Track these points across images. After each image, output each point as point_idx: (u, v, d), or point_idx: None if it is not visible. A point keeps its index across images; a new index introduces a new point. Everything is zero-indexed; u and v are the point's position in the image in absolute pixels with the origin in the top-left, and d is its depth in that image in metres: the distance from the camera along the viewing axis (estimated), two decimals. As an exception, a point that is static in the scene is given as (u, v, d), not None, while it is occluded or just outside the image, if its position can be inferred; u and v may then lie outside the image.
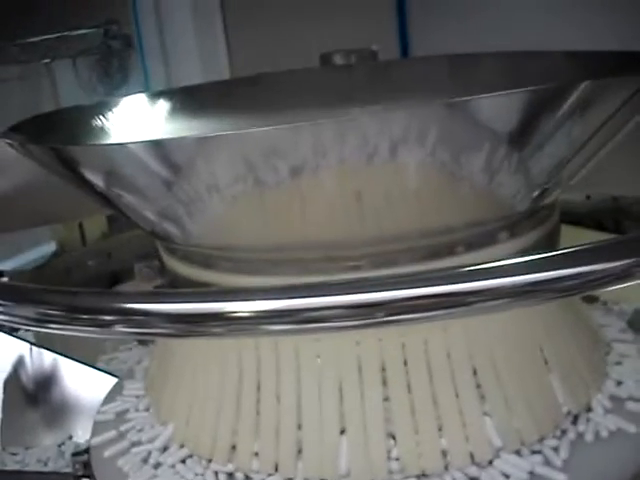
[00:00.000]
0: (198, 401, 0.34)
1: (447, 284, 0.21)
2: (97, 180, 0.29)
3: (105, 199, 0.31)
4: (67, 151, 0.29)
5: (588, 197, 0.52)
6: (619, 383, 0.34)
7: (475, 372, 0.31)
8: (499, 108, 0.26)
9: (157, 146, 0.26)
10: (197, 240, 0.31)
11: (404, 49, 0.90)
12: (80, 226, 0.58)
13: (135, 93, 0.43)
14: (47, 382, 0.47)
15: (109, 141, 0.38)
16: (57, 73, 1.45)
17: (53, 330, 0.24)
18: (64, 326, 0.24)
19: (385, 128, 0.25)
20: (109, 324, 0.23)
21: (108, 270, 0.56)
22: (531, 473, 0.30)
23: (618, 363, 0.36)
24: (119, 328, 0.23)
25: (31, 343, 0.48)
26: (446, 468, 0.30)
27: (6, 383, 0.48)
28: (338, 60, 0.58)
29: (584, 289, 0.22)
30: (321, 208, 0.28)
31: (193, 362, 0.34)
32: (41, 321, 0.24)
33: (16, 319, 0.25)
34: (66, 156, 0.29)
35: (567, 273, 0.21)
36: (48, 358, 0.48)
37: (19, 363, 0.48)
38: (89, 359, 0.49)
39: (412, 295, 0.21)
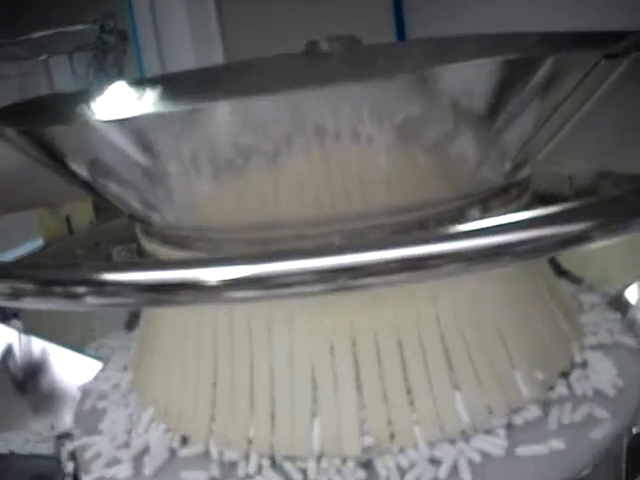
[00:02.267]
0: (176, 379, 0.34)
1: (414, 246, 0.21)
2: (72, 162, 0.30)
3: (81, 182, 0.32)
4: (40, 133, 0.29)
5: (570, 178, 0.52)
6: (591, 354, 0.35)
7: (446, 351, 0.32)
8: (465, 79, 0.26)
9: (130, 122, 0.27)
10: (173, 221, 0.32)
11: (401, 38, 0.90)
12: (67, 220, 0.58)
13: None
14: (36, 369, 0.48)
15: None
16: (54, 69, 1.45)
17: (26, 305, 0.24)
18: (37, 299, 0.24)
19: (351, 103, 0.25)
20: (80, 296, 0.23)
21: (96, 259, 0.56)
22: (507, 449, 0.31)
23: (594, 333, 0.37)
24: (90, 300, 0.23)
25: (19, 331, 0.48)
26: (417, 443, 0.31)
27: (-5, 370, 0.48)
28: (323, 47, 0.58)
29: (545, 252, 0.22)
30: (292, 186, 0.28)
31: (170, 341, 0.35)
32: (14, 295, 0.24)
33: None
34: (39, 138, 0.29)
35: (528, 236, 0.22)
36: (37, 345, 0.48)
37: (7, 351, 0.49)
38: (78, 346, 0.50)
39: (379, 258, 0.21)
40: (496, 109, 0.27)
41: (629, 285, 0.48)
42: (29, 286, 0.24)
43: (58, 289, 0.23)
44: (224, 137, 0.26)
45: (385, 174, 0.29)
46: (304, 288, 0.22)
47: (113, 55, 1.30)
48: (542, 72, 0.27)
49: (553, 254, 0.22)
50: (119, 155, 0.28)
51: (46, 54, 1.40)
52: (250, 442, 0.32)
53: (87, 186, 0.32)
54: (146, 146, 0.27)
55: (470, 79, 0.26)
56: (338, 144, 0.26)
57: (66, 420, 0.47)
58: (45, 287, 0.24)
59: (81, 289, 0.23)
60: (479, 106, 0.27)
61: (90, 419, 0.38)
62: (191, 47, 1.20)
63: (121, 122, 0.26)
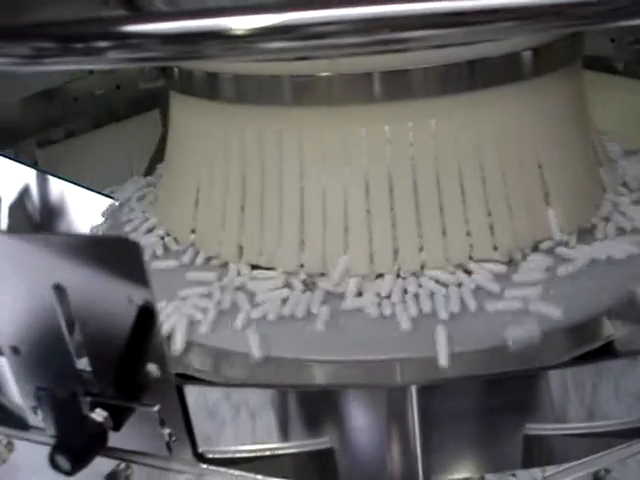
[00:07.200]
0: (204, 195, 0.34)
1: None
2: None
3: None
4: None
5: (612, 40, 0.50)
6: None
7: (482, 167, 0.31)
8: None
9: None
10: None
11: None
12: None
13: None
14: (53, 208, 0.47)
15: None
16: None
17: (47, 66, 0.23)
18: (57, 59, 0.23)
19: None
20: (102, 50, 0.22)
21: (116, 101, 0.55)
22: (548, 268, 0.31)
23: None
24: (113, 54, 0.22)
25: (37, 169, 0.47)
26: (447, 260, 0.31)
27: (11, 209, 0.47)
28: None
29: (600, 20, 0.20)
30: None
31: (197, 161, 0.35)
32: (34, 57, 0.23)
33: (10, 59, 0.24)
34: None
35: None
36: (55, 186, 0.48)
37: (25, 191, 0.48)
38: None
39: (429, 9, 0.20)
40: None
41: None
42: (49, 44, 0.23)
43: (79, 45, 0.22)
44: None
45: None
46: (339, 39, 0.20)
47: None
48: None
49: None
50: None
51: None
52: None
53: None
54: None
55: None
56: None
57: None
58: (65, 44, 0.22)
59: (103, 43, 0.22)
60: None
61: None
62: None
63: None
